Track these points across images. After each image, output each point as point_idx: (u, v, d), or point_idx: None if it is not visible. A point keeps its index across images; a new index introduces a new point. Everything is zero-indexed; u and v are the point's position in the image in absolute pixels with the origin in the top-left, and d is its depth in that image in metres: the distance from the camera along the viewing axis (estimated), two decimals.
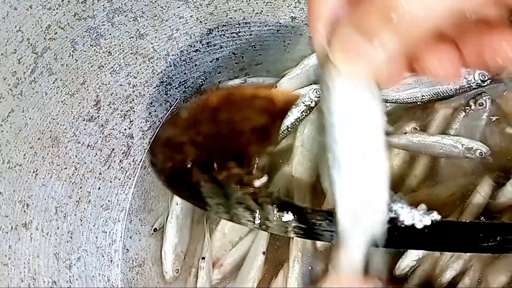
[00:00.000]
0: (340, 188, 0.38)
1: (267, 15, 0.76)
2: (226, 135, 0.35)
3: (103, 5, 0.65)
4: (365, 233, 0.39)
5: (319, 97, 0.72)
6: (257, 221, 0.45)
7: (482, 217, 0.66)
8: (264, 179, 0.40)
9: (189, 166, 0.38)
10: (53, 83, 0.64)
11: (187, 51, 0.75)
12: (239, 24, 0.76)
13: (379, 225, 0.39)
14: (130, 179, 0.77)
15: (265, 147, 0.37)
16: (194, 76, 0.78)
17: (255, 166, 0.39)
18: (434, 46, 0.41)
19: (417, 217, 0.43)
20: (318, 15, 0.40)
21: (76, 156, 0.69)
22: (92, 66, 0.68)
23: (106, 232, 0.74)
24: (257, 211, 0.44)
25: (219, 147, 0.36)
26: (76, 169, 0.70)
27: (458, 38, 0.42)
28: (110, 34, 0.68)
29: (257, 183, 0.41)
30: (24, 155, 0.63)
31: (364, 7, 0.37)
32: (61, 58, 0.64)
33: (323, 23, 0.39)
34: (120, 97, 0.72)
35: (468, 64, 0.42)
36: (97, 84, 0.69)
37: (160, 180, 0.40)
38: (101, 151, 0.72)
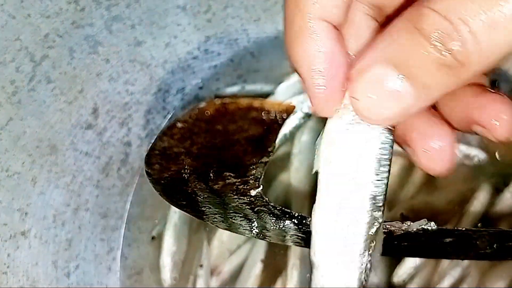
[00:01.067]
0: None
1: (265, 22, 0.77)
2: (222, 145, 0.35)
3: (101, 13, 0.65)
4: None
5: None
6: (255, 230, 0.45)
7: (480, 224, 0.66)
8: (260, 188, 0.40)
9: (185, 176, 0.38)
10: (52, 91, 0.64)
11: (184, 58, 0.76)
12: (237, 31, 0.76)
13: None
14: (128, 186, 0.77)
15: (260, 157, 0.37)
16: (192, 83, 0.78)
17: (251, 175, 0.39)
18: (424, 130, 0.38)
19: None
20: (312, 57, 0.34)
21: (74, 164, 0.69)
22: (90, 74, 0.68)
23: (104, 240, 0.74)
24: (254, 220, 0.44)
25: (215, 157, 0.36)
26: (74, 177, 0.70)
27: (444, 101, 0.39)
28: (108, 42, 0.68)
29: (253, 192, 0.41)
30: (23, 163, 0.63)
31: (406, 33, 0.30)
32: (59, 66, 0.64)
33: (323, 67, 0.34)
34: (118, 105, 0.72)
35: (456, 128, 0.39)
36: (95, 91, 0.69)
37: (156, 190, 0.41)
38: (99, 158, 0.72)
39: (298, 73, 0.35)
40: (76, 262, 0.70)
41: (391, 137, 0.37)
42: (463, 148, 0.73)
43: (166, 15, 0.71)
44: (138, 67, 0.72)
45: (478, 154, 0.73)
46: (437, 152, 0.39)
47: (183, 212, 0.75)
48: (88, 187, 0.72)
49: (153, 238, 0.77)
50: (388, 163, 0.38)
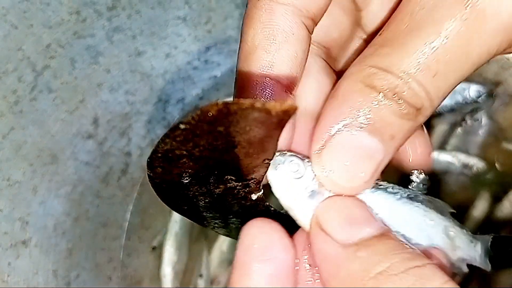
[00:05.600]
0: None
1: None
2: (224, 147, 0.35)
3: (103, 24, 0.66)
4: None
5: None
6: None
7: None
8: (261, 192, 0.40)
9: (186, 180, 0.38)
10: (53, 101, 0.65)
11: (185, 68, 0.76)
12: (236, 41, 0.77)
13: None
14: (128, 196, 0.77)
15: (262, 159, 0.37)
16: (192, 94, 0.79)
17: (252, 178, 0.39)
18: None
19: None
20: None
21: (75, 174, 0.69)
22: (91, 84, 0.68)
23: (104, 249, 0.74)
24: None
25: (216, 159, 0.36)
26: (75, 187, 0.70)
27: None
28: (109, 52, 0.69)
29: (254, 196, 0.41)
30: (24, 172, 0.63)
31: (360, 94, 0.34)
32: (61, 76, 0.65)
33: None
34: (118, 115, 0.73)
35: None
36: (96, 101, 0.70)
37: (158, 195, 0.41)
38: (99, 168, 0.72)
39: None
40: (77, 271, 0.70)
41: None
42: (462, 157, 0.74)
43: (167, 26, 0.71)
44: (139, 77, 0.73)
45: (477, 163, 0.73)
46: None
47: (183, 221, 0.75)
48: (89, 197, 0.72)
49: (153, 248, 0.77)
50: None
